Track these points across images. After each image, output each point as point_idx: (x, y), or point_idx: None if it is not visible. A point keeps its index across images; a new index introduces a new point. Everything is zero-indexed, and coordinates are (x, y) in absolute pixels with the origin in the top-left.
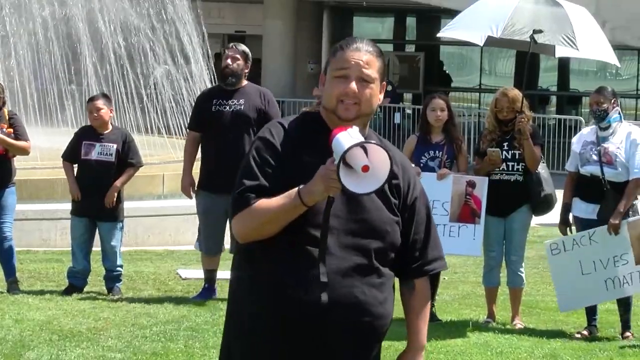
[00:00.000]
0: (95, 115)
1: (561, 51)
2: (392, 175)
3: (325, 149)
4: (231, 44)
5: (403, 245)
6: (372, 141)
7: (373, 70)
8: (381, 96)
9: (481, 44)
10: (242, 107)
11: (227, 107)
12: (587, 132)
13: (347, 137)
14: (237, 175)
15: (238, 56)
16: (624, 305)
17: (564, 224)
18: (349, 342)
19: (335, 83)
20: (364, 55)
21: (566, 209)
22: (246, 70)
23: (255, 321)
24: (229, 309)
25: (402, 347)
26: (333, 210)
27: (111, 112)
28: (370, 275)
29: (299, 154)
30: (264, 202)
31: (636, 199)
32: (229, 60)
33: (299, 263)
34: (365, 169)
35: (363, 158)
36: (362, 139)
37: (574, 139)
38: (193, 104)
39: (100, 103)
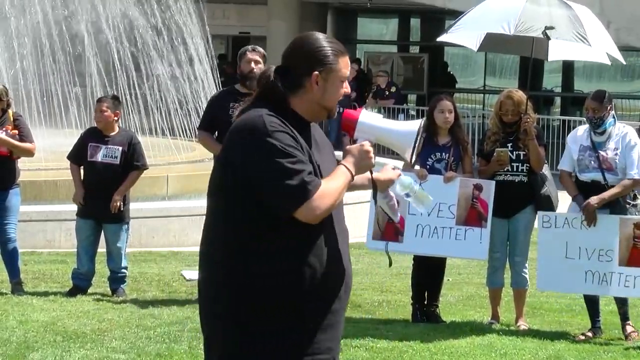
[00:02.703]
0: (99, 115)
1: (554, 55)
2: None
3: (309, 140)
4: (250, 47)
5: None
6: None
7: None
8: None
9: (475, 49)
10: None
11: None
12: (581, 133)
13: (374, 118)
14: (278, 168)
15: (261, 59)
16: (620, 298)
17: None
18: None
19: (340, 86)
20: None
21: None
22: None
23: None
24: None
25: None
26: None
27: (116, 115)
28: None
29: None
30: (327, 181)
31: (637, 198)
32: (252, 64)
33: (322, 244)
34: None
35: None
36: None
37: (569, 138)
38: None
39: (105, 105)
